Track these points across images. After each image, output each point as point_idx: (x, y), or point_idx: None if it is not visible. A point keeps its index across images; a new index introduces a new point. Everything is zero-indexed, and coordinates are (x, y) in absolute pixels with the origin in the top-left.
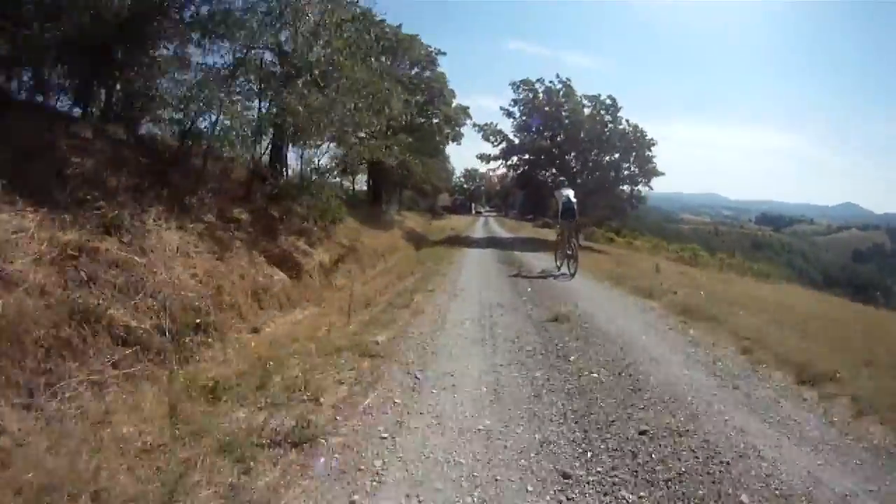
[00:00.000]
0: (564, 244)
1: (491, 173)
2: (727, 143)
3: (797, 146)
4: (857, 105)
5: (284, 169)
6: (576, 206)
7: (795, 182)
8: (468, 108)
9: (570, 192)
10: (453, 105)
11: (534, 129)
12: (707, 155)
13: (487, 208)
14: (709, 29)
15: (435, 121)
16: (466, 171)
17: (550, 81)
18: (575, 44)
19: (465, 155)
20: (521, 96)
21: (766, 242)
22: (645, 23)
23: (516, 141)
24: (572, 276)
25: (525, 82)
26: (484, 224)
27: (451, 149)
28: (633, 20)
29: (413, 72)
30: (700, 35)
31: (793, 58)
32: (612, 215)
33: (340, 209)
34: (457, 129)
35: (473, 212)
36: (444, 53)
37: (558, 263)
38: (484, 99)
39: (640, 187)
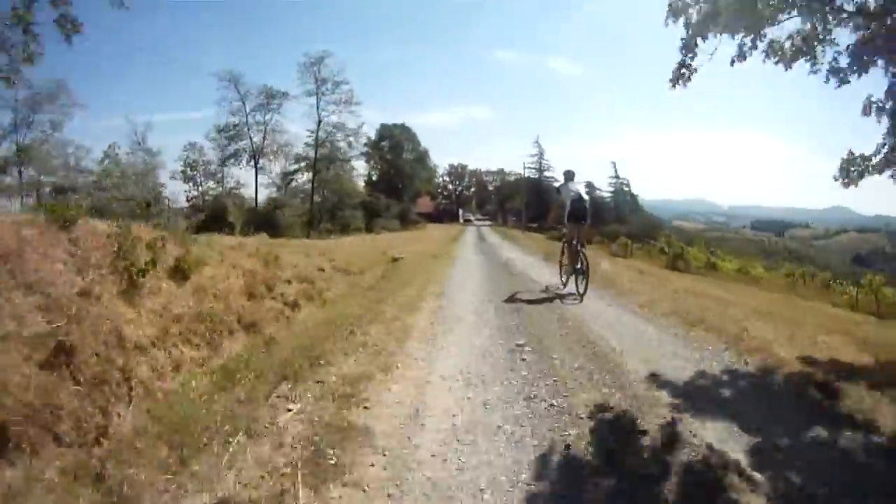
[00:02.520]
0: (573, 254)
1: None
2: (715, 149)
3: (786, 151)
4: (846, 111)
5: None
6: (588, 205)
7: (785, 187)
8: None
9: (582, 188)
10: None
11: None
12: (696, 161)
13: (478, 215)
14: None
15: None
16: (452, 167)
17: None
18: (559, 50)
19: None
20: None
21: (773, 250)
22: (625, 27)
23: None
24: (582, 296)
25: None
26: (477, 240)
27: (431, 139)
28: (618, 24)
29: None
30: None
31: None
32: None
33: None
34: None
35: (461, 220)
36: None
37: (564, 279)
38: (476, 109)
39: None
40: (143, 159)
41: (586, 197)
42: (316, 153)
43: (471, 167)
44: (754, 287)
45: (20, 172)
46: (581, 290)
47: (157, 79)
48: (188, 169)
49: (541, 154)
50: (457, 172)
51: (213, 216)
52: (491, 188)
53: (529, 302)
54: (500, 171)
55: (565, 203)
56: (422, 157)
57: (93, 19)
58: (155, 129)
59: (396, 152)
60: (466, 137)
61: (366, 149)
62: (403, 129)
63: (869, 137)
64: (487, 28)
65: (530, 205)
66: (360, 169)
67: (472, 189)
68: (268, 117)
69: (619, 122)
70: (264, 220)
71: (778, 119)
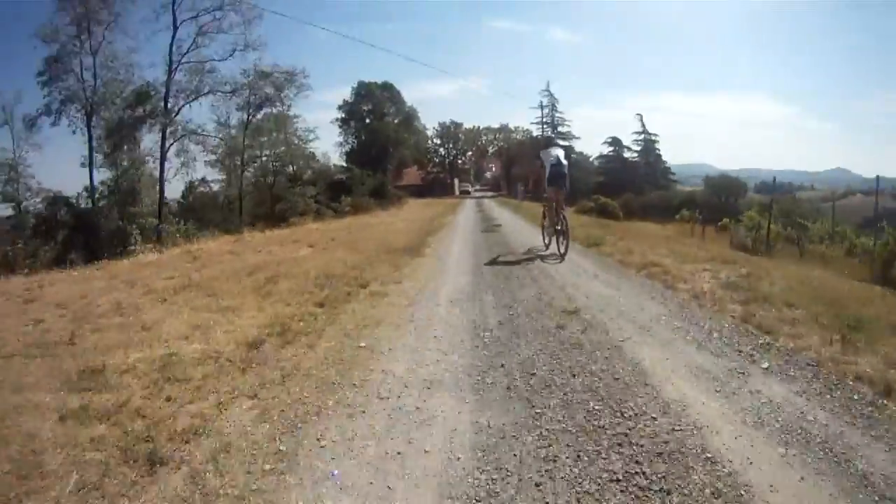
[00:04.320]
0: (553, 216)
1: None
2: (716, 113)
3: (788, 115)
4: (851, 78)
5: None
6: (567, 170)
7: (785, 149)
8: None
9: (561, 152)
10: None
11: None
12: (695, 125)
13: (478, 186)
14: None
15: None
16: (443, 126)
17: None
18: (556, 18)
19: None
20: None
21: (789, 212)
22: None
23: None
24: (562, 256)
25: None
26: (481, 226)
27: (425, 110)
28: None
29: None
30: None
31: (785, 28)
32: None
33: None
34: None
35: (457, 191)
36: None
37: (546, 241)
38: (471, 79)
39: None
40: None
41: (565, 162)
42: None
43: (467, 125)
44: None
45: None
46: (562, 251)
47: None
48: None
49: (553, 106)
50: (449, 133)
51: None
52: (491, 151)
53: (509, 264)
54: (504, 129)
55: (545, 167)
56: (408, 120)
57: None
58: None
59: (377, 115)
60: (464, 107)
61: (339, 114)
62: (385, 87)
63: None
64: None
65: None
66: (328, 136)
67: (470, 153)
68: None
69: (617, 89)
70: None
71: (773, 81)
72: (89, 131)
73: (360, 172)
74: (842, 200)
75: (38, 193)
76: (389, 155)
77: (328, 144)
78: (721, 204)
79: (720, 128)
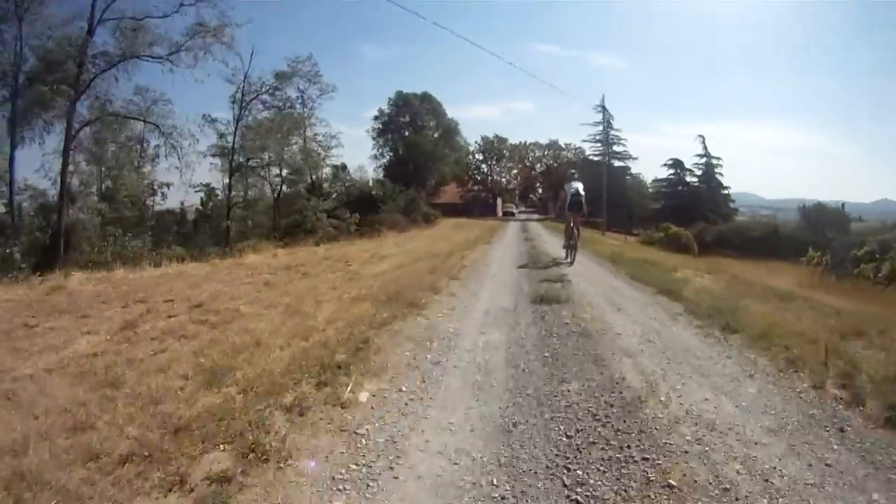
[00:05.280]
0: (569, 233)
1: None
2: (756, 142)
3: (826, 144)
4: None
5: None
6: (583, 199)
7: (829, 180)
8: None
9: (580, 186)
10: None
11: None
12: (739, 154)
13: (522, 207)
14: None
15: None
16: (485, 140)
17: None
18: (601, 44)
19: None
20: None
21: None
22: (668, 18)
23: None
24: (571, 263)
25: None
26: (531, 263)
27: (471, 130)
28: (658, 16)
29: None
30: (730, 28)
31: (820, 56)
32: None
33: None
34: None
35: (500, 212)
36: None
37: (564, 253)
38: (518, 103)
39: None
40: None
41: (582, 193)
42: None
43: (511, 141)
44: None
45: None
46: (570, 260)
47: None
48: None
49: (607, 122)
50: (493, 148)
51: None
52: (538, 170)
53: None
54: (553, 145)
55: (567, 197)
56: (449, 133)
57: None
58: None
59: (416, 127)
60: (509, 128)
61: (376, 124)
62: (424, 98)
63: None
64: (529, 20)
65: (592, 193)
66: (360, 148)
67: (515, 171)
68: None
69: (661, 114)
70: None
71: (818, 111)
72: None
73: (391, 187)
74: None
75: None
76: (428, 171)
77: (365, 158)
78: (819, 238)
79: (762, 156)
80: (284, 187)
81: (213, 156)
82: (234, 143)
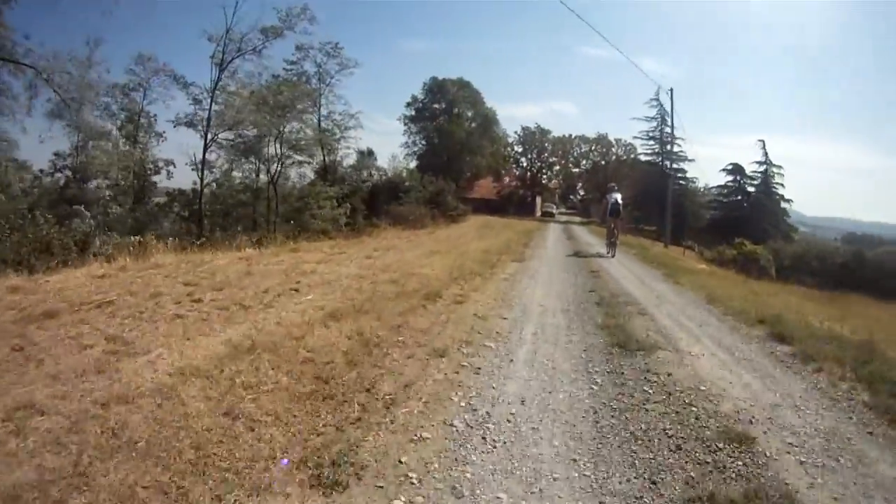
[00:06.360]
0: (610, 234)
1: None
2: (801, 157)
3: (872, 162)
4: None
5: None
6: (621, 207)
7: (872, 199)
8: None
9: (619, 196)
10: None
11: None
12: (788, 169)
13: (563, 208)
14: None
15: None
16: (526, 131)
17: None
18: (648, 49)
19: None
20: None
21: None
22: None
23: None
24: (612, 256)
25: None
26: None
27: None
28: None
29: None
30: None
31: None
32: None
33: None
34: None
35: (538, 212)
36: None
37: (606, 249)
38: (559, 103)
39: None
40: None
41: (620, 202)
42: None
43: (555, 134)
44: None
45: None
46: (612, 254)
47: None
48: None
49: (662, 118)
50: (534, 140)
51: None
52: (580, 168)
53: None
54: (602, 140)
55: (607, 205)
56: (486, 123)
57: None
58: None
59: (451, 115)
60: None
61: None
62: (461, 84)
63: None
64: (574, 21)
65: (644, 197)
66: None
67: (557, 168)
68: None
69: (706, 124)
70: None
71: (859, 128)
72: None
73: (419, 177)
74: None
75: None
76: (462, 162)
77: (398, 147)
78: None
79: (806, 173)
80: (284, 169)
81: (183, 125)
82: (210, 111)
